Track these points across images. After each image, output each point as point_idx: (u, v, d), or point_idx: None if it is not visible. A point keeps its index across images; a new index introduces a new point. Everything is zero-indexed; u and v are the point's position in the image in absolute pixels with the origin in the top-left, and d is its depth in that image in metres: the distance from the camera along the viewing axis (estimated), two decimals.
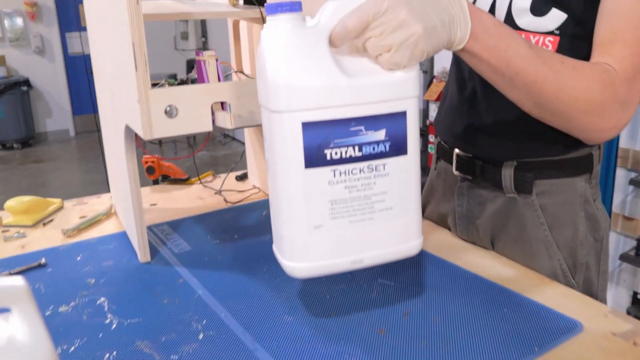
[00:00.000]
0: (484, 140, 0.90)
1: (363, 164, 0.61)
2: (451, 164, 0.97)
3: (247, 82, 0.74)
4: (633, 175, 2.08)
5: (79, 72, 7.35)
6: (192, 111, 0.71)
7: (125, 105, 0.80)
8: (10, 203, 1.18)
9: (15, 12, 6.75)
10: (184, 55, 7.41)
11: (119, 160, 0.94)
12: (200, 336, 0.70)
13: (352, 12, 0.58)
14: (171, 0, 1.04)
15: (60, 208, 1.26)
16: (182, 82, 0.96)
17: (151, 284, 0.86)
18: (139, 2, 0.66)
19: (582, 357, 0.64)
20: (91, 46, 1.15)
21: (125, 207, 1.00)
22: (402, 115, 0.61)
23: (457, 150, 0.95)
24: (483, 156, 0.91)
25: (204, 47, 7.37)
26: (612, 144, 2.10)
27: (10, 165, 5.97)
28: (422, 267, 0.87)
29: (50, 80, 7.12)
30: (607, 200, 2.15)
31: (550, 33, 0.79)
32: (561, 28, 0.78)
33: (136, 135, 0.81)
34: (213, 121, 0.74)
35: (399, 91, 0.60)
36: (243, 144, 1.63)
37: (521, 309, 0.73)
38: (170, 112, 0.70)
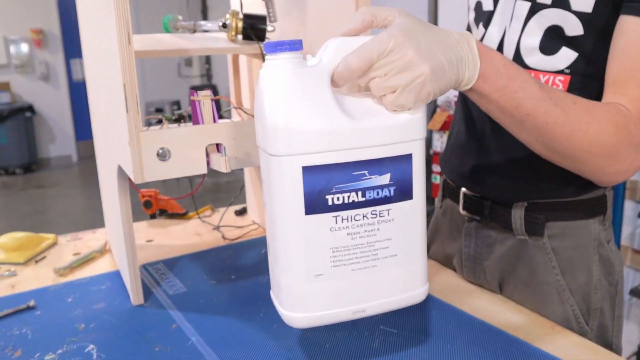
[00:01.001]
0: (493, 180, 0.87)
1: (366, 210, 0.58)
2: (458, 203, 0.93)
3: (243, 123, 0.71)
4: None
5: (83, 98, 7.38)
6: (185, 153, 0.69)
7: (117, 145, 0.77)
8: (3, 240, 1.15)
9: (21, 39, 6.82)
10: (188, 82, 7.45)
11: (111, 198, 0.91)
12: None
13: (355, 50, 0.56)
14: (169, 34, 1.03)
15: (54, 244, 1.23)
16: (181, 117, 0.94)
17: (143, 329, 0.82)
18: (131, 43, 0.64)
19: None
20: (87, 78, 1.13)
21: (118, 246, 0.97)
22: (408, 158, 0.58)
23: (464, 190, 0.92)
24: (492, 196, 0.87)
25: (208, 74, 7.41)
26: None
27: (12, 190, 5.95)
28: (427, 313, 0.83)
29: (54, 106, 7.16)
30: (616, 233, 2.11)
31: (561, 72, 0.76)
32: (572, 67, 0.75)
33: None
34: (208, 163, 0.71)
35: (404, 133, 0.58)
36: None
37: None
38: (162, 155, 0.67)
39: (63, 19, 7.09)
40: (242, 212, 1.38)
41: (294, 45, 0.55)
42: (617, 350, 0.86)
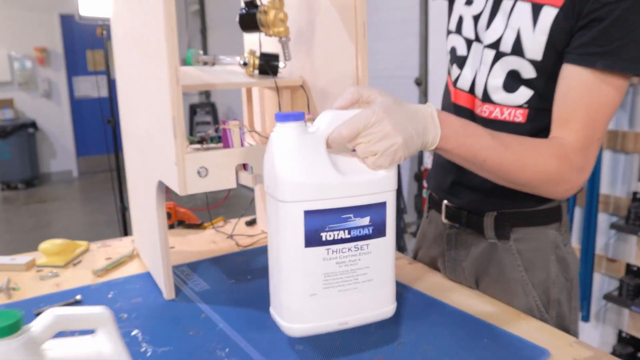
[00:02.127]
0: (468, 194, 1.04)
1: (351, 244, 0.74)
2: (441, 213, 1.11)
3: (264, 148, 0.88)
4: (614, 219, 2.22)
5: (84, 114, 7.56)
6: (219, 172, 0.85)
7: (159, 163, 0.94)
8: (44, 245, 1.30)
9: (25, 56, 6.99)
10: (187, 99, 7.62)
11: (148, 209, 1.08)
12: None
13: (346, 122, 0.73)
14: (193, 67, 1.20)
15: (87, 250, 1.38)
16: (203, 140, 1.10)
17: (177, 318, 0.97)
18: (179, 84, 0.81)
19: None
20: (121, 102, 1.29)
21: (151, 250, 1.13)
22: (383, 205, 0.75)
23: (445, 202, 1.09)
24: (468, 207, 1.05)
25: (206, 92, 7.58)
26: (593, 191, 2.24)
27: (14, 205, 6.08)
28: (416, 305, 1.00)
29: (56, 122, 7.32)
30: (591, 243, 2.27)
31: (520, 106, 0.94)
32: (529, 102, 0.93)
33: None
34: (236, 179, 0.88)
35: (380, 186, 0.75)
36: (250, 189, 1.76)
37: (499, 340, 0.86)
38: (201, 173, 0.84)
39: (66, 38, 7.28)
40: (252, 223, 1.54)
41: (299, 117, 0.72)
42: (574, 335, 1.02)
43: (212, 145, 0.96)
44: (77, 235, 1.41)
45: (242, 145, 0.90)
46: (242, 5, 1.04)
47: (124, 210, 3.37)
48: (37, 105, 7.15)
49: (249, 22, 1.01)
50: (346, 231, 0.73)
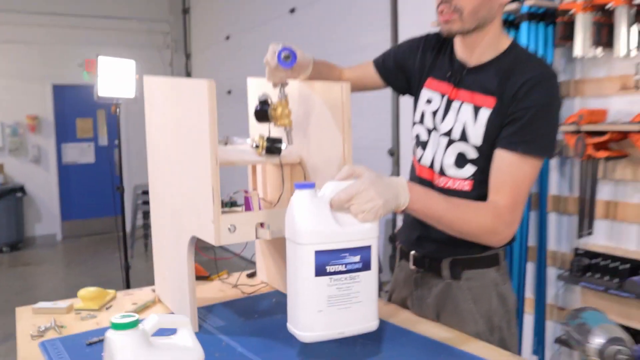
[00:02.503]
0: (430, 245, 1.36)
1: (346, 275, 1.05)
2: (408, 261, 1.41)
3: (276, 212, 1.19)
4: (561, 272, 2.54)
5: (71, 179, 7.79)
6: (244, 228, 1.15)
7: (194, 221, 1.23)
8: (82, 293, 1.55)
9: (16, 124, 7.28)
10: None
11: (177, 259, 1.35)
12: None
13: (343, 190, 1.06)
14: None
15: (114, 297, 1.64)
16: (233, 203, 1.39)
17: (204, 345, 1.23)
18: (218, 163, 1.12)
19: None
20: (151, 168, 1.57)
21: (177, 293, 1.39)
22: (369, 247, 1.07)
23: (413, 252, 1.40)
24: (430, 255, 1.36)
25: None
26: (541, 248, 2.58)
27: (0, 268, 6.18)
28: (390, 333, 1.28)
29: (43, 187, 7.52)
30: (542, 294, 2.58)
31: (467, 179, 1.28)
32: (473, 176, 1.27)
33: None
34: (256, 234, 1.18)
35: (367, 235, 1.07)
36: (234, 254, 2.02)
37: (453, 355, 1.15)
38: (231, 229, 1.14)
39: (57, 107, 7.61)
40: (252, 275, 1.82)
41: (311, 186, 1.05)
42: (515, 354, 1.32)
43: (234, 208, 1.27)
44: (65, 297, 1.68)
45: (260, 209, 1.20)
46: (257, 102, 1.37)
47: (127, 267, 3.61)
48: (26, 170, 7.37)
49: (262, 115, 1.34)
50: (343, 265, 1.04)
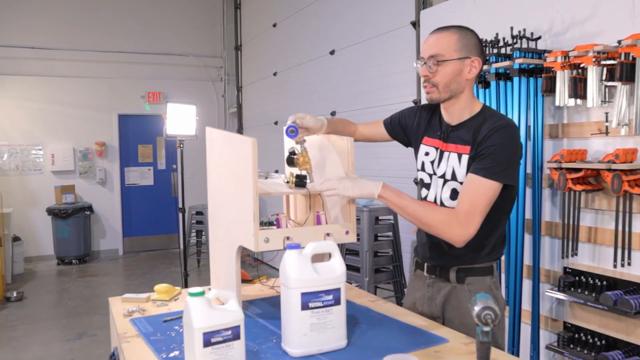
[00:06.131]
0: (439, 257, 1.83)
1: (323, 309, 1.44)
2: (423, 270, 1.89)
3: (300, 229, 1.70)
4: (553, 288, 2.92)
5: (132, 200, 8.57)
6: (276, 241, 1.66)
7: (241, 235, 1.76)
8: (157, 287, 2.10)
9: (86, 149, 8.14)
10: None
11: (227, 263, 1.87)
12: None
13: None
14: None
15: (180, 292, 2.18)
16: (271, 223, 1.91)
17: (247, 324, 1.75)
18: (257, 194, 1.64)
19: None
20: (210, 192, 2.11)
21: (228, 288, 1.91)
22: (339, 289, 1.47)
23: (427, 263, 1.88)
24: (440, 265, 1.83)
25: None
26: (535, 267, 2.97)
27: (70, 277, 6.95)
28: (396, 326, 1.76)
29: (107, 206, 8.34)
30: (536, 307, 2.96)
31: None
32: None
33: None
34: (283, 245, 1.69)
35: (337, 280, 1.48)
36: (271, 267, 2.46)
37: (424, 336, 1.62)
38: (267, 241, 1.66)
39: (121, 134, 8.46)
40: None
41: (297, 246, 1.50)
42: (501, 347, 1.76)
43: (271, 226, 1.79)
44: None
45: (287, 226, 1.72)
46: (287, 152, 1.89)
47: (186, 275, 4.26)
48: (94, 191, 8.21)
49: (290, 162, 1.87)
50: (321, 302, 1.45)
